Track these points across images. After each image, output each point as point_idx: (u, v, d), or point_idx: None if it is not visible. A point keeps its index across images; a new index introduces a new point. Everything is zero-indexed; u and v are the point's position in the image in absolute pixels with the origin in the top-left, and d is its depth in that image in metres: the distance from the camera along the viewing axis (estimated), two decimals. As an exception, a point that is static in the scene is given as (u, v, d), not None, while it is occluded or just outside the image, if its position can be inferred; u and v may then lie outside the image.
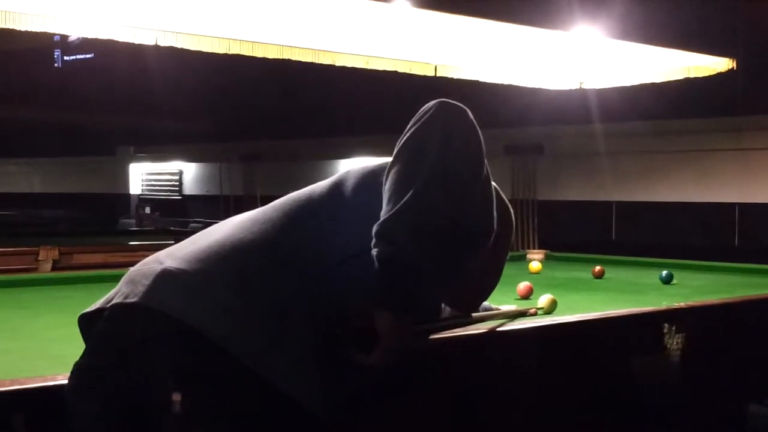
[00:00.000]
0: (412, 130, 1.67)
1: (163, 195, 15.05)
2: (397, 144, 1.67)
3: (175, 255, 1.56)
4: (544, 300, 2.87)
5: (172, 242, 1.72)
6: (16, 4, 3.28)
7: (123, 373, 1.46)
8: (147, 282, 1.49)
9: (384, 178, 1.64)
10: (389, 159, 1.75)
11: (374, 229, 1.56)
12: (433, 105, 1.72)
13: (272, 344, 1.47)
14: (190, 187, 14.79)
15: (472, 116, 1.75)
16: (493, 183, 1.80)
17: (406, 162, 1.62)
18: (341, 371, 1.58)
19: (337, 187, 1.70)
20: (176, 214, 13.66)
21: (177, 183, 14.89)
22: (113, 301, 1.51)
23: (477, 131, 1.72)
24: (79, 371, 1.54)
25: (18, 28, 3.44)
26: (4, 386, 1.59)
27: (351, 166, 1.82)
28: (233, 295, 1.49)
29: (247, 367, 1.44)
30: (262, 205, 1.75)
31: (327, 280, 1.57)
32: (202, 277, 1.50)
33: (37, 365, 2.04)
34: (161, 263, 1.54)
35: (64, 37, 10.30)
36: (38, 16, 3.44)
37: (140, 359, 1.45)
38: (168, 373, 1.44)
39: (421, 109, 1.74)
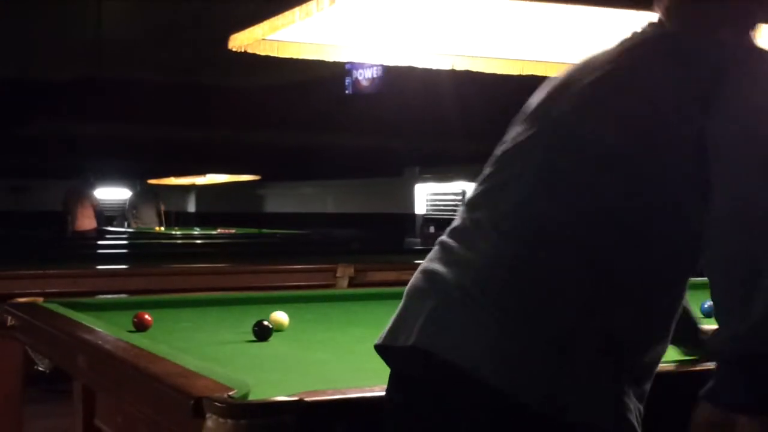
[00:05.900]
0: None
1: (446, 215, 15.39)
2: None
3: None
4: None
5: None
6: (313, 35, 3.40)
7: (411, 414, 1.49)
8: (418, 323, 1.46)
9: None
10: None
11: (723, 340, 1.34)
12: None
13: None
14: (472, 207, 14.98)
15: None
16: None
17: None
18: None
19: None
20: (459, 234, 13.87)
21: (460, 203, 15.14)
22: (388, 341, 1.52)
23: None
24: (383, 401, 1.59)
25: (321, 59, 3.60)
26: (329, 395, 1.67)
27: None
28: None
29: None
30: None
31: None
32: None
33: (351, 377, 2.13)
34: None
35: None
36: (335, 47, 3.56)
37: (426, 403, 1.46)
38: (457, 418, 1.41)
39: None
